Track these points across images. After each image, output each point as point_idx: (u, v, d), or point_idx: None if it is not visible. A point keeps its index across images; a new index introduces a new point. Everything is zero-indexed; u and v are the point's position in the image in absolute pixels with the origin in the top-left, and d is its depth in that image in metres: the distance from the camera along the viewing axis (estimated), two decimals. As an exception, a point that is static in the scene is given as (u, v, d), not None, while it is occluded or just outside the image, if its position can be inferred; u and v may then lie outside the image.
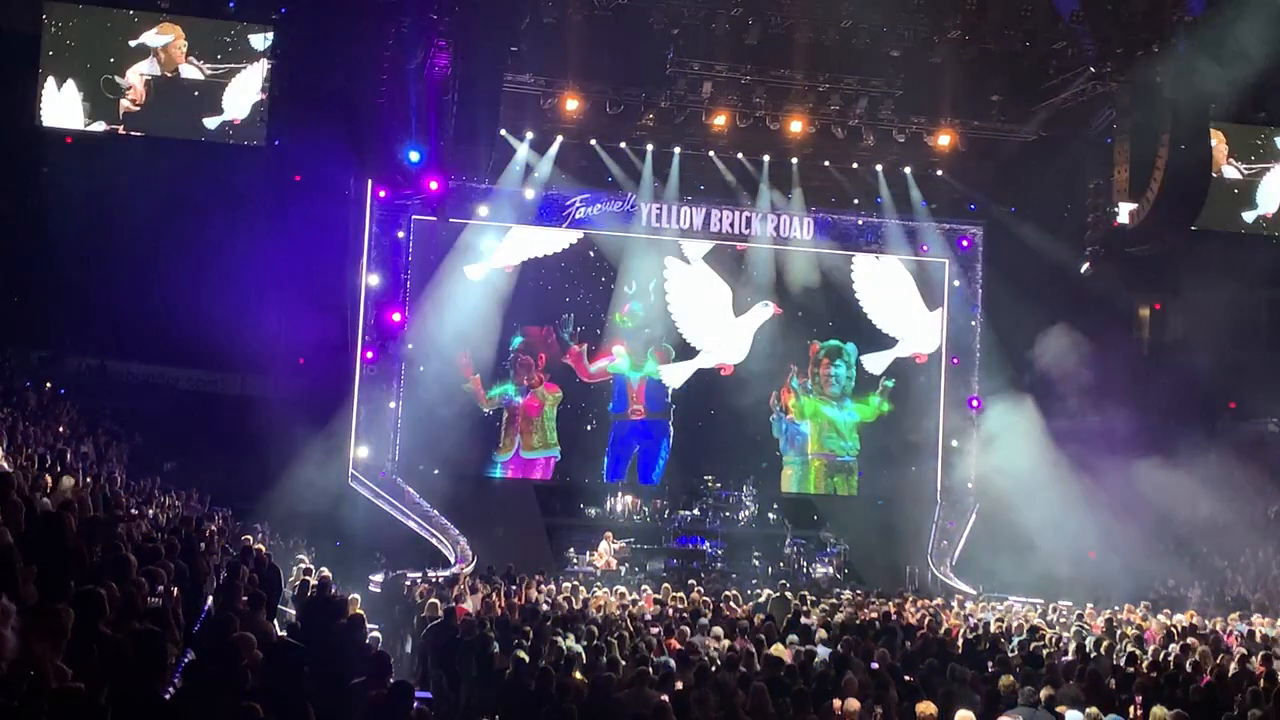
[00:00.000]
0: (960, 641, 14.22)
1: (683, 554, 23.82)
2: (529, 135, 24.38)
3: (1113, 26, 21.27)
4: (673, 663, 10.97)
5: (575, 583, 19.75)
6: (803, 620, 14.78)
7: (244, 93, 21.45)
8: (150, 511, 15.73)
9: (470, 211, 24.28)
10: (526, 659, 10.80)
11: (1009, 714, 9.71)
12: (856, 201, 26.42)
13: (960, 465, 26.26)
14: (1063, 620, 17.19)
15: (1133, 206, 21.67)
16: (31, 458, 13.96)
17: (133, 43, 21.03)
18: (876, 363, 26.64)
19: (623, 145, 25.00)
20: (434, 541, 22.92)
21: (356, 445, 23.28)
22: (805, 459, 26.47)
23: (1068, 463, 23.41)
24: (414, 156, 20.40)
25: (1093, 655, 13.10)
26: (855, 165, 25.80)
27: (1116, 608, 18.57)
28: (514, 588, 16.92)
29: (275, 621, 11.82)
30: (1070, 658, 13.08)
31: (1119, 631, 15.60)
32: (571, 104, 23.03)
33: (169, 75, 21.16)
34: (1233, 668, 12.61)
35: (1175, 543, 24.06)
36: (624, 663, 10.81)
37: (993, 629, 15.25)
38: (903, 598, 19.39)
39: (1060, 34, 22.13)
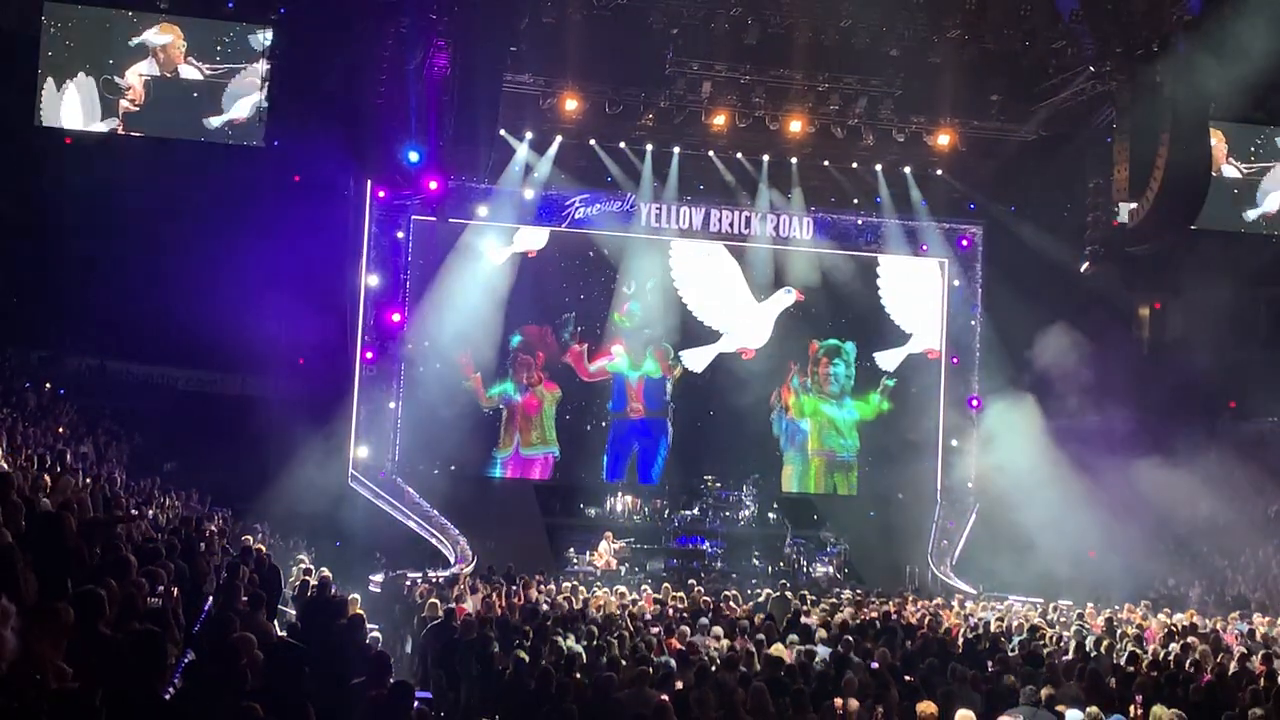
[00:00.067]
0: (960, 641, 14.21)
1: (683, 554, 23.85)
2: (528, 135, 24.39)
3: (1112, 26, 21.25)
4: (673, 662, 10.97)
5: (575, 583, 19.76)
6: (803, 620, 14.77)
7: (243, 93, 21.44)
8: (150, 512, 15.72)
9: (470, 212, 24.28)
10: (526, 659, 10.80)
11: (1010, 713, 9.71)
12: (856, 201, 26.44)
13: (960, 465, 26.28)
14: (1063, 620, 17.18)
15: (1132, 206, 21.65)
16: (31, 458, 13.95)
17: (132, 43, 21.01)
18: (890, 359, 26.71)
19: (622, 145, 25.01)
20: (434, 541, 22.93)
21: (356, 445, 23.30)
22: (805, 456, 26.52)
23: (1068, 462, 23.39)
24: (413, 157, 20.40)
25: (1093, 654, 13.09)
26: (855, 165, 25.81)
27: (1117, 607, 18.56)
28: (514, 588, 16.92)
29: (275, 622, 11.82)
30: (1070, 657, 13.07)
31: (1119, 631, 15.60)
32: (571, 104, 23.03)
33: (168, 75, 21.15)
34: (1233, 667, 12.62)
35: (1175, 542, 24.07)
36: (624, 663, 10.80)
37: (993, 628, 15.26)
38: (903, 597, 19.40)
39: (1060, 33, 22.11)
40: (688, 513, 24.74)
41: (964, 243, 26.91)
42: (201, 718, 6.26)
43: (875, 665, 11.73)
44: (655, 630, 13.47)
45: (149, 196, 20.74)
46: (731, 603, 16.50)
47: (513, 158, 24.38)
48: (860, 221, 26.57)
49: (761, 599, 17.54)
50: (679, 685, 9.87)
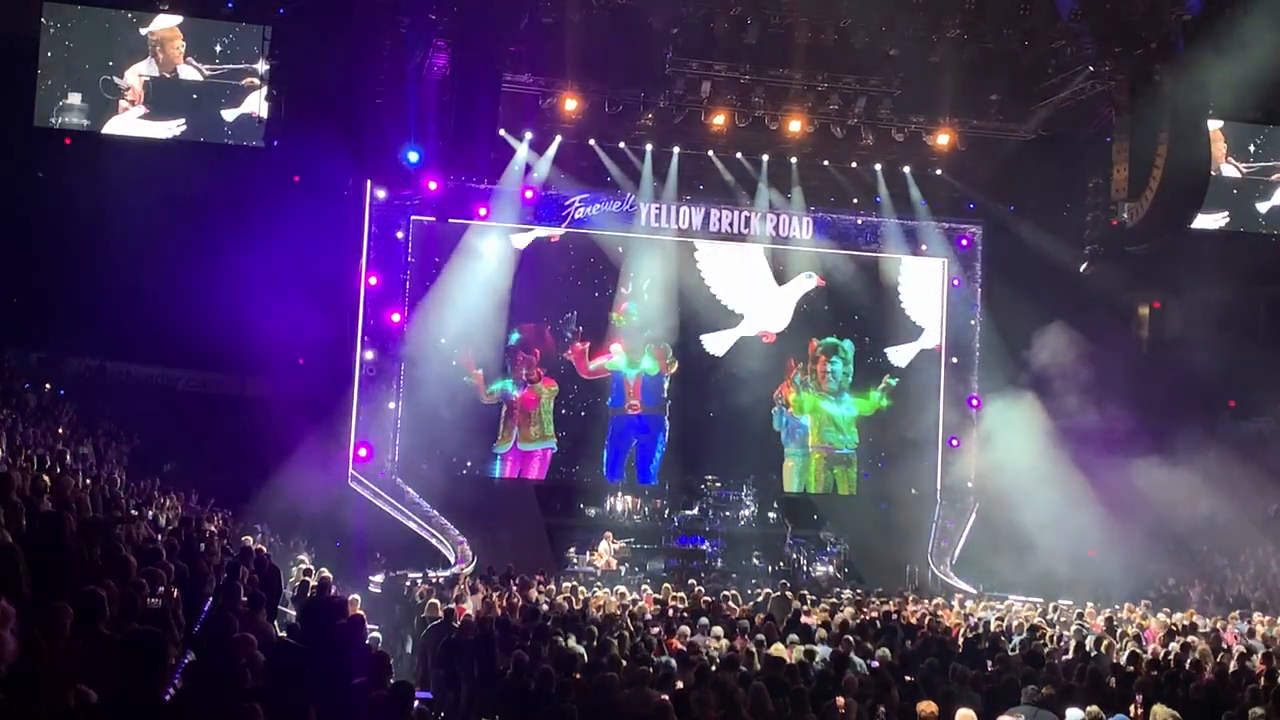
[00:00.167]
0: (961, 641, 14.22)
1: (683, 554, 23.86)
2: (528, 135, 24.38)
3: (1111, 25, 21.26)
4: (673, 663, 10.97)
5: (575, 583, 19.77)
6: (803, 620, 14.79)
7: (242, 93, 21.42)
8: (150, 512, 15.72)
9: (469, 211, 24.27)
10: (527, 659, 10.79)
11: (1010, 713, 9.71)
12: (856, 201, 26.43)
13: (960, 464, 26.29)
14: (1063, 619, 17.18)
15: (1132, 205, 21.66)
16: (31, 459, 13.95)
17: (131, 43, 21.00)
18: (902, 354, 26.75)
19: (622, 145, 25.01)
20: (434, 542, 22.93)
21: (356, 446, 23.30)
22: (806, 451, 26.59)
23: (1067, 461, 23.40)
24: (413, 157, 20.41)
25: (1093, 654, 13.10)
26: (854, 164, 25.80)
27: (1117, 606, 18.58)
28: (514, 588, 16.93)
29: (275, 622, 11.83)
30: (1070, 656, 13.09)
31: (1119, 630, 15.60)
32: (570, 104, 23.03)
33: (167, 76, 21.13)
34: (1233, 666, 12.63)
35: (1175, 541, 24.08)
36: (624, 663, 10.80)
37: (993, 628, 15.27)
38: (903, 597, 19.40)
39: (1059, 33, 22.11)
40: (688, 512, 24.75)
41: (963, 242, 26.92)
42: (202, 718, 6.26)
43: (875, 665, 11.74)
44: (655, 630, 13.47)
45: (148, 197, 20.70)
46: (731, 602, 16.52)
47: (512, 158, 24.37)
48: (860, 221, 26.58)
49: (761, 599, 17.55)
50: (679, 685, 9.87)
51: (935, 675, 11.03)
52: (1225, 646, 14.58)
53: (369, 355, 23.65)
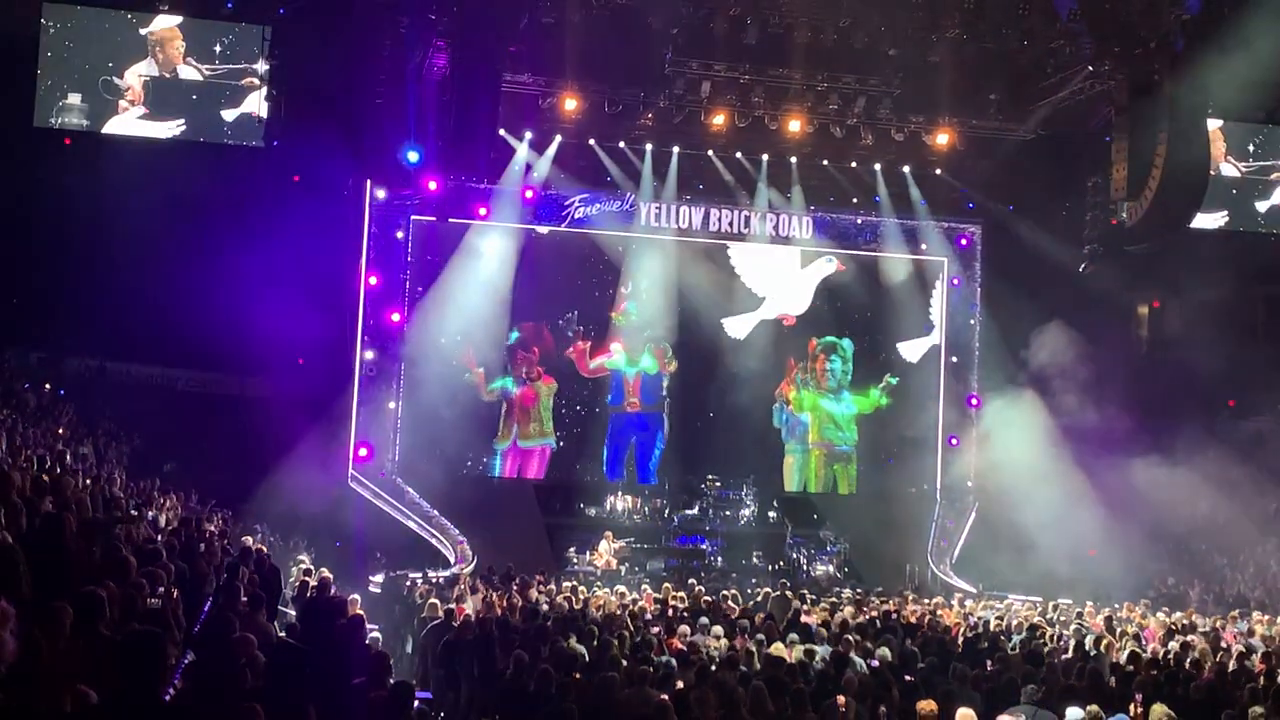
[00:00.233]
0: (960, 640, 14.22)
1: (683, 553, 23.87)
2: (528, 135, 24.38)
3: (1110, 25, 21.27)
4: (673, 662, 10.98)
5: (575, 583, 19.78)
6: (803, 619, 14.79)
7: (241, 93, 21.42)
8: (150, 513, 15.73)
9: (469, 211, 24.28)
10: (527, 659, 10.80)
11: (1010, 712, 9.71)
12: (855, 200, 26.44)
13: (959, 463, 26.31)
14: (1063, 618, 17.19)
15: (1131, 204, 21.67)
16: (31, 459, 13.96)
17: (131, 44, 20.99)
18: (913, 350, 26.82)
19: (621, 145, 25.01)
20: (434, 542, 22.93)
21: (356, 445, 23.30)
22: (806, 447, 26.67)
23: (1067, 461, 23.42)
24: (413, 157, 20.41)
25: (1093, 653, 13.10)
26: (854, 164, 25.80)
27: (1116, 606, 18.58)
28: (514, 588, 16.93)
29: (275, 622, 11.83)
30: (1070, 656, 13.09)
31: (1119, 630, 15.61)
32: (570, 104, 23.03)
33: (167, 76, 21.13)
34: (1232, 665, 12.63)
35: (1174, 541, 24.10)
36: (624, 662, 10.81)
37: (993, 627, 15.27)
38: (903, 596, 19.41)
39: (1058, 33, 22.12)
40: (688, 512, 24.76)
41: (963, 242, 26.94)
42: (201, 718, 6.27)
43: (875, 665, 11.75)
44: (655, 630, 13.48)
45: (148, 197, 20.71)
46: (730, 601, 16.52)
47: (512, 158, 24.38)
48: (859, 221, 26.59)
49: (761, 598, 17.56)
50: (679, 685, 9.88)
51: (935, 675, 11.04)
52: (1225, 646, 14.59)
53: (369, 355, 23.65)
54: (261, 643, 7.87)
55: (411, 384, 24.07)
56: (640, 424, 25.99)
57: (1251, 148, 24.55)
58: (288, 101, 21.09)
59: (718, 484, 25.40)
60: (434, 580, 18.81)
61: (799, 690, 9.64)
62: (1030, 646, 13.22)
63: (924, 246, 26.65)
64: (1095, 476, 23.36)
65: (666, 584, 19.65)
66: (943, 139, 24.28)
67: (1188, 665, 12.60)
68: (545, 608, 15.09)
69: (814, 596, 18.46)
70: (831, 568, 24.01)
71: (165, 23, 21.03)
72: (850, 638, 12.89)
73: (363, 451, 23.37)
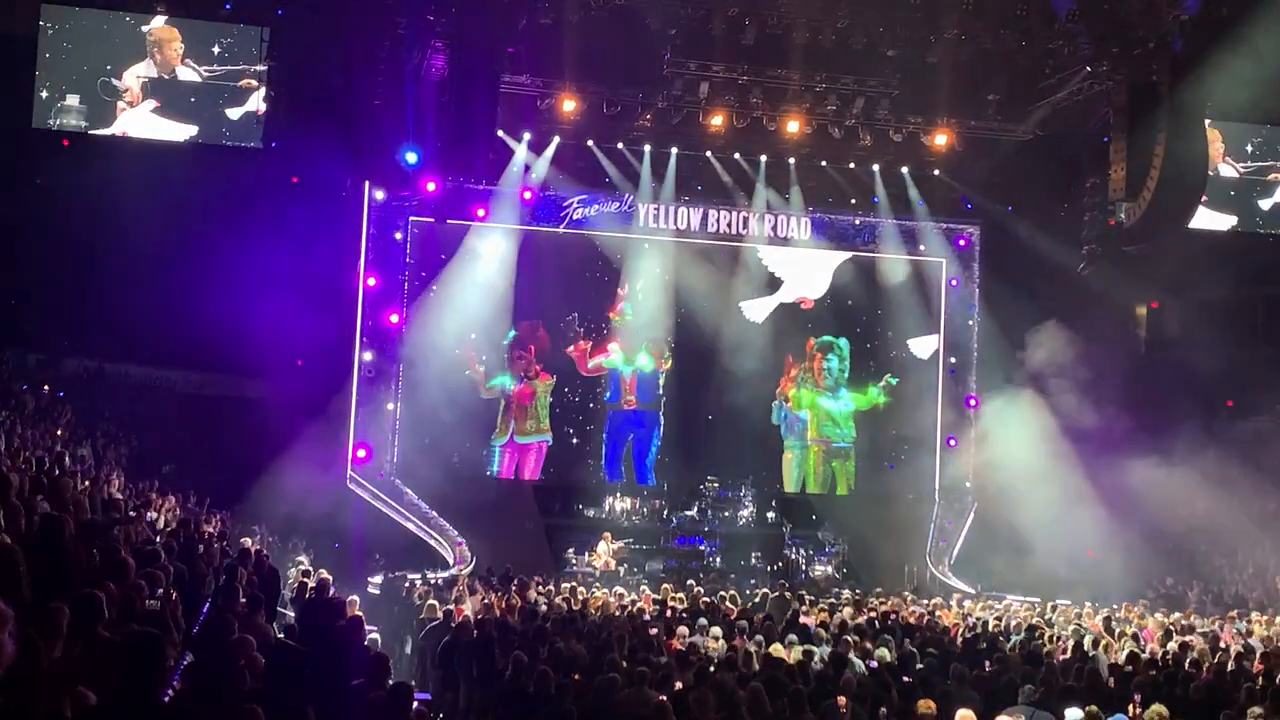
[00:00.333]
0: (959, 640, 14.23)
1: (681, 554, 23.85)
2: (526, 136, 24.38)
3: (1109, 25, 21.30)
4: (672, 663, 10.97)
5: (574, 584, 19.78)
6: (802, 620, 14.79)
7: (240, 94, 21.42)
8: (149, 514, 15.72)
9: (468, 212, 24.27)
10: (525, 660, 10.80)
11: (1008, 712, 9.72)
12: (854, 201, 26.44)
13: (958, 464, 26.30)
14: (1061, 619, 17.20)
15: (1130, 205, 21.68)
16: (29, 460, 13.95)
17: (129, 45, 20.98)
18: (923, 347, 26.87)
19: (620, 146, 25.00)
20: (433, 543, 22.92)
21: (355, 447, 23.30)
22: (805, 444, 26.71)
23: (1065, 461, 23.42)
24: (411, 158, 20.44)
25: (1091, 654, 13.11)
26: (852, 165, 25.81)
27: (1115, 606, 18.58)
28: (513, 589, 16.93)
29: (274, 624, 11.83)
30: (1069, 656, 13.09)
31: (1118, 630, 15.62)
32: (569, 105, 23.03)
33: (166, 77, 21.13)
34: (1231, 666, 12.63)
35: (1173, 541, 24.09)
36: (623, 663, 10.81)
37: (991, 628, 15.27)
38: (901, 597, 19.40)
39: (1057, 33, 22.14)
40: (686, 513, 24.75)
41: (961, 242, 26.93)
42: (200, 720, 6.26)
43: (874, 665, 11.75)
44: (654, 631, 13.48)
45: (146, 198, 20.71)
46: (728, 602, 16.52)
47: (511, 159, 24.37)
48: (858, 221, 26.59)
49: (759, 599, 17.56)
50: (678, 686, 9.88)
51: (934, 675, 11.04)
52: (1223, 646, 14.60)
53: (367, 356, 23.64)
54: (260, 644, 7.86)
55: (410, 385, 24.07)
56: (637, 421, 26.05)
57: (1250, 148, 24.52)
58: (286, 102, 21.10)
59: (716, 485, 25.40)
60: (433, 581, 18.80)
61: (798, 691, 9.63)
62: (1029, 647, 13.23)
63: (922, 247, 26.65)
64: (1094, 477, 23.36)
65: (665, 585, 19.65)
66: (941, 140, 24.29)
67: (1186, 666, 12.61)
68: (544, 609, 15.09)
69: (813, 597, 18.47)
70: (830, 568, 24.01)
71: (163, 24, 21.01)
72: (849, 638, 12.89)
73: (361, 453, 23.36)
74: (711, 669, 10.88)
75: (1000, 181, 26.09)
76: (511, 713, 10.19)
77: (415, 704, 8.20)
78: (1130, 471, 23.03)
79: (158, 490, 18.65)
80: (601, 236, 25.48)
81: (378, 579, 19.52)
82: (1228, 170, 24.31)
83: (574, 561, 22.73)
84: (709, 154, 25.44)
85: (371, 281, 23.83)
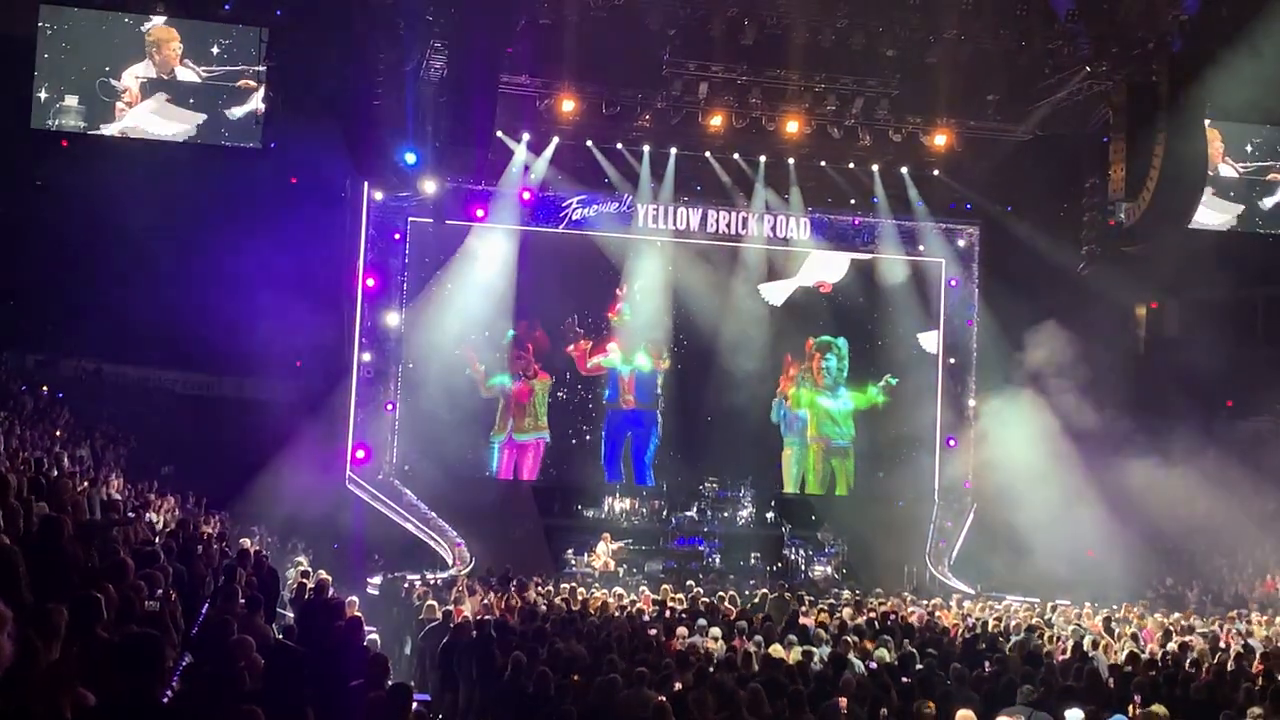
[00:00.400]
0: (959, 641, 14.22)
1: (681, 555, 23.84)
2: (525, 137, 24.38)
3: (1108, 26, 21.29)
4: (671, 664, 10.96)
5: (574, 584, 19.77)
6: (801, 620, 14.78)
7: (239, 95, 21.41)
8: (147, 515, 15.71)
9: (467, 213, 24.28)
10: (525, 661, 10.78)
11: (1008, 712, 9.71)
12: (853, 201, 26.43)
13: (957, 464, 26.29)
14: (1061, 619, 17.19)
15: (1129, 205, 21.67)
16: (28, 461, 13.93)
17: (128, 45, 20.97)
18: (931, 341, 26.87)
19: (619, 146, 25.00)
20: (432, 544, 22.92)
21: (354, 447, 23.30)
22: (804, 442, 26.74)
23: (1065, 461, 23.42)
24: (410, 158, 20.40)
25: (1091, 654, 13.10)
26: (851, 165, 25.81)
27: (1115, 606, 18.57)
28: (512, 589, 16.92)
29: (273, 625, 11.82)
30: (1068, 656, 13.09)
31: (1117, 630, 15.61)
32: (568, 105, 23.02)
33: (164, 78, 21.12)
34: (1231, 666, 12.63)
35: (1173, 541, 24.10)
36: (622, 664, 10.80)
37: (991, 628, 15.26)
38: (901, 598, 19.39)
39: (1056, 33, 22.10)
40: (686, 513, 24.74)
41: (960, 242, 26.94)
42: (200, 721, 6.25)
43: (874, 666, 11.74)
44: (653, 631, 13.47)
45: (145, 199, 20.72)
46: (728, 603, 16.51)
47: (510, 159, 24.37)
48: (857, 222, 26.59)
49: (759, 600, 17.55)
50: (677, 686, 9.87)
51: (934, 676, 11.03)
52: (1223, 646, 14.59)
53: (366, 357, 23.65)
54: (259, 645, 7.84)
55: (409, 385, 24.09)
56: (635, 421, 26.10)
57: (1249, 148, 24.53)
58: (286, 103, 21.10)
59: (715, 485, 25.40)
60: (432, 582, 18.79)
61: (797, 692, 9.63)
62: (1029, 647, 13.22)
63: (922, 247, 26.66)
64: (1093, 477, 23.35)
65: (665, 585, 19.62)
66: (940, 140, 24.28)
67: (1186, 666, 12.60)
68: (543, 609, 15.08)
69: (812, 598, 18.46)
70: (830, 569, 24.00)
71: (162, 24, 21.00)
72: (849, 639, 12.89)
73: (360, 453, 23.37)
74: (711, 670, 10.87)
75: (1000, 181, 26.09)
76: (511, 713, 10.18)
77: (414, 705, 8.19)
78: (1130, 471, 23.03)
79: (157, 491, 18.65)
80: (601, 237, 25.48)
81: (377, 580, 19.52)
82: (1228, 170, 24.32)
83: (573, 562, 22.73)
84: (708, 154, 25.43)
85: (371, 282, 23.85)
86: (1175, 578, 23.51)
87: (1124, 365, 25.49)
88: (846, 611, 16.23)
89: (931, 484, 26.35)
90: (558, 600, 16.26)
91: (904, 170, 25.92)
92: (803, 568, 24.06)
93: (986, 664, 12.32)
